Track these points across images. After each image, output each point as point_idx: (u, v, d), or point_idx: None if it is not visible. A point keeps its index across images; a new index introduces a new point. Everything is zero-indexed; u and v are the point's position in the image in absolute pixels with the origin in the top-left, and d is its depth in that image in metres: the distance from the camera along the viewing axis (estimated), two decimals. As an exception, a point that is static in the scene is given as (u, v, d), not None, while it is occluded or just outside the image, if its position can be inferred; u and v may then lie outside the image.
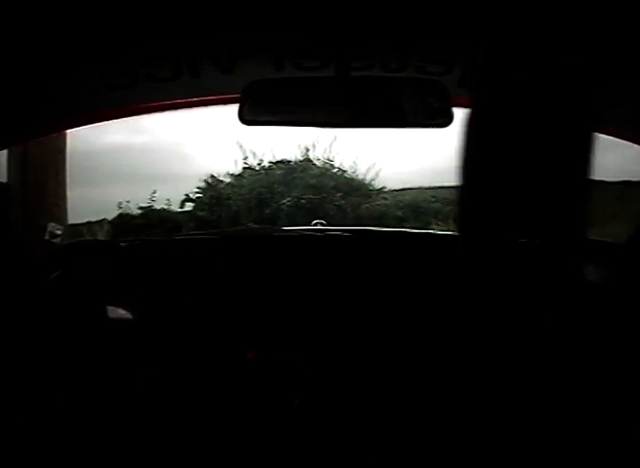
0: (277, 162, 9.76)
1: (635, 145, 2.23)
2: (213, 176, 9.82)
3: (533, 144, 1.25)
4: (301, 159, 9.73)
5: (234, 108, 1.86)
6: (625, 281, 2.02)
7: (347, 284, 2.21)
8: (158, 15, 1.89)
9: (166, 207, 9.59)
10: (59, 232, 4.62)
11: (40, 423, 1.92)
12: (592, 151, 1.24)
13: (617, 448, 1.87)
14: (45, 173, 4.98)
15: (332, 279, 2.21)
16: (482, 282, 2.23)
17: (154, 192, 9.40)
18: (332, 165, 9.78)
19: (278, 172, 9.65)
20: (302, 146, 9.64)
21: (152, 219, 9.36)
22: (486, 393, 2.09)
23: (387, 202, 9.67)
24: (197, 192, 9.77)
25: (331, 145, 9.56)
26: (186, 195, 9.70)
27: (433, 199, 9.86)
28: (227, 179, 9.91)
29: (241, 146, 9.55)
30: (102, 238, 7.44)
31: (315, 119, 2.00)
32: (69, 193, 5.28)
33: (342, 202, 9.33)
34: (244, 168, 9.78)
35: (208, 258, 2.28)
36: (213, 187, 9.79)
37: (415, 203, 9.77)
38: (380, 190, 9.76)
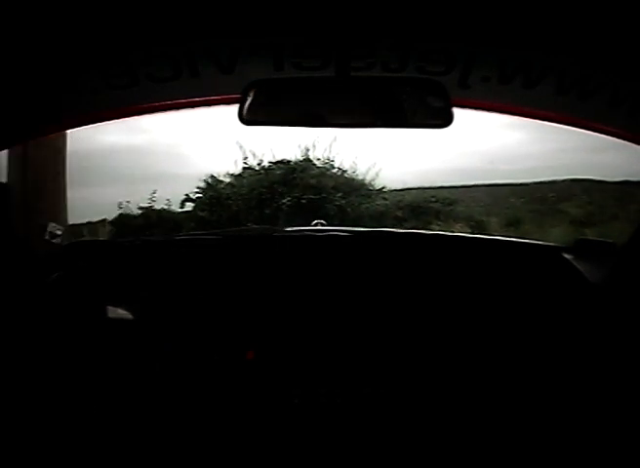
0: (277, 162, 9.75)
1: (635, 145, 2.23)
2: (213, 177, 9.82)
3: None
4: (301, 159, 9.72)
5: (234, 108, 1.86)
6: (625, 281, 2.02)
7: (347, 283, 2.21)
8: (158, 15, 1.89)
9: (166, 207, 9.59)
10: (59, 232, 4.61)
11: (40, 420, 1.92)
12: None
13: (616, 447, 1.87)
14: (45, 173, 4.98)
15: (332, 279, 2.21)
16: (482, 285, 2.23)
17: (154, 192, 9.42)
18: (332, 165, 9.77)
19: (278, 172, 9.64)
20: (302, 146, 9.66)
21: (152, 219, 9.36)
22: (485, 391, 2.09)
23: (387, 202, 9.66)
24: (197, 192, 9.78)
25: (331, 145, 9.57)
26: (186, 195, 9.71)
27: (433, 199, 9.87)
28: (227, 179, 9.91)
29: (241, 146, 9.57)
30: (103, 238, 7.43)
31: (315, 119, 2.00)
32: (69, 193, 5.28)
33: (343, 202, 9.32)
34: (244, 168, 9.78)
35: (208, 258, 2.28)
36: (213, 187, 9.79)
37: (415, 203, 9.77)
38: (381, 190, 9.76)
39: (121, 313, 2.14)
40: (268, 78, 2.06)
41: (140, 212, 9.52)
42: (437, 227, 8.88)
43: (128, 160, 10.07)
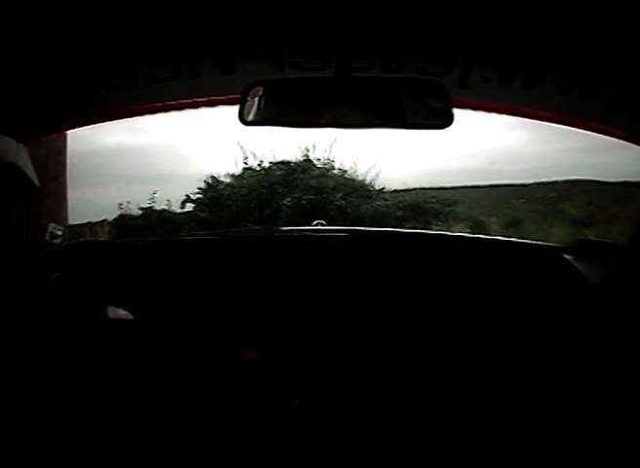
0: (277, 162, 9.76)
1: (635, 146, 2.23)
2: (213, 177, 9.83)
3: None
4: (302, 159, 9.73)
5: (234, 108, 1.86)
6: (626, 282, 2.02)
7: (347, 284, 2.21)
8: (158, 15, 1.89)
9: (166, 207, 9.60)
10: (59, 233, 4.61)
11: (39, 420, 1.92)
12: None
13: (616, 447, 1.87)
14: (45, 173, 4.97)
15: (332, 279, 2.21)
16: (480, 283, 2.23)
17: (155, 193, 9.43)
18: (332, 165, 9.79)
19: (278, 172, 9.65)
20: (303, 147, 9.67)
21: (153, 220, 9.36)
22: (486, 391, 2.09)
23: (388, 202, 9.67)
24: (197, 193, 9.79)
25: (331, 146, 9.59)
26: (187, 196, 9.72)
27: (433, 199, 9.87)
28: (228, 180, 9.92)
29: (241, 147, 9.58)
30: (103, 239, 7.43)
31: (315, 119, 2.00)
32: (70, 194, 5.28)
33: (343, 202, 9.32)
34: (244, 168, 9.80)
35: (209, 259, 2.28)
36: (213, 188, 9.80)
37: (415, 203, 9.77)
38: (381, 191, 9.77)
39: (121, 313, 2.14)
40: (269, 78, 2.06)
41: (140, 212, 9.53)
42: (437, 227, 8.88)
43: (128, 160, 10.11)
